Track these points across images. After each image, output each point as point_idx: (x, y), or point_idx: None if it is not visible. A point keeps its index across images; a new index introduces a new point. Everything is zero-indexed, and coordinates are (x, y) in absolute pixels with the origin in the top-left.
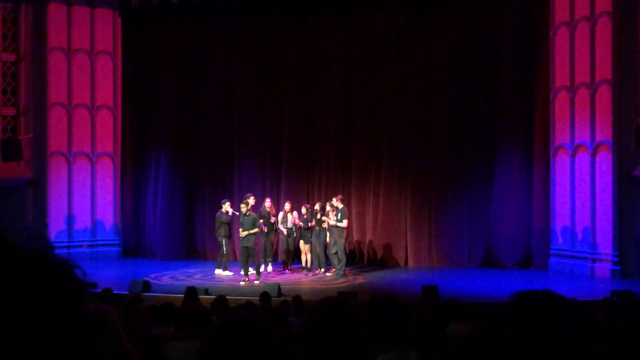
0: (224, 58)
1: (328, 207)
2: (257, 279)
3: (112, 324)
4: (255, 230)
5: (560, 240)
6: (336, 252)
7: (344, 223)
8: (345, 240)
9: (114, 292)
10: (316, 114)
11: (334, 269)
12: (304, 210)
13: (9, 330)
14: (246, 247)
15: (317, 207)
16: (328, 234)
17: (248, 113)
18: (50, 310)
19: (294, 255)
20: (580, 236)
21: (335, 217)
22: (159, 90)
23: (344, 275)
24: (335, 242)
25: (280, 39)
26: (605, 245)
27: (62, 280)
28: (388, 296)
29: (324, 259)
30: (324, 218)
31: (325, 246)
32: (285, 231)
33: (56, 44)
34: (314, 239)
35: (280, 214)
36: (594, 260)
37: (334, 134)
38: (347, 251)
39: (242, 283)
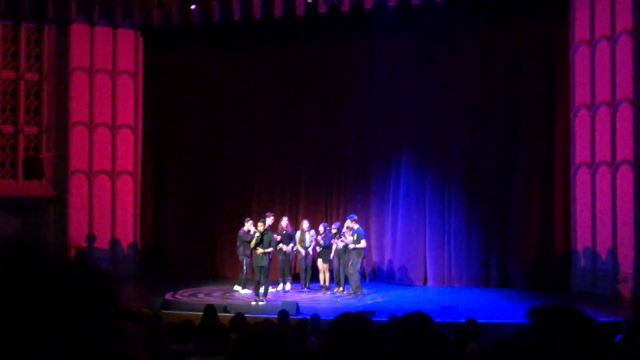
0: (244, 77)
1: (334, 227)
2: (260, 300)
3: (132, 340)
4: (270, 249)
5: (582, 260)
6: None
7: (362, 243)
8: (362, 259)
9: (133, 309)
10: (335, 132)
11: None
12: (321, 229)
13: (40, 334)
14: (261, 266)
15: (334, 227)
16: (345, 254)
17: (268, 131)
18: (82, 316)
19: (312, 273)
20: (602, 256)
21: (352, 238)
22: (180, 109)
23: (361, 294)
24: (352, 262)
25: (299, 59)
26: (627, 265)
27: (97, 287)
28: (421, 314)
29: (343, 278)
30: (333, 241)
31: (345, 265)
32: (303, 251)
33: (78, 64)
34: (334, 258)
35: (298, 233)
36: (616, 281)
37: (352, 152)
38: (367, 270)
39: (253, 303)
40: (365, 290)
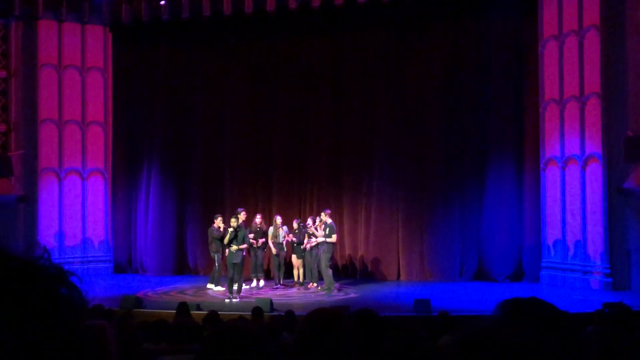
0: (215, 73)
1: (310, 222)
2: (233, 297)
3: (105, 339)
4: (244, 246)
5: (552, 253)
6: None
7: (333, 238)
8: (331, 255)
9: (105, 308)
10: (307, 128)
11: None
12: (295, 225)
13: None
14: (234, 263)
15: (309, 222)
16: (315, 248)
17: (239, 128)
18: (44, 316)
19: (286, 269)
20: (571, 249)
21: (323, 232)
22: (150, 106)
23: (335, 289)
24: (323, 258)
25: (271, 55)
26: (596, 258)
27: (57, 286)
28: (366, 311)
29: (316, 274)
30: (312, 231)
31: (315, 260)
32: (274, 250)
33: (47, 60)
34: (306, 254)
35: (271, 229)
36: (585, 273)
37: (325, 149)
38: (340, 266)
39: (227, 300)
40: (338, 285)
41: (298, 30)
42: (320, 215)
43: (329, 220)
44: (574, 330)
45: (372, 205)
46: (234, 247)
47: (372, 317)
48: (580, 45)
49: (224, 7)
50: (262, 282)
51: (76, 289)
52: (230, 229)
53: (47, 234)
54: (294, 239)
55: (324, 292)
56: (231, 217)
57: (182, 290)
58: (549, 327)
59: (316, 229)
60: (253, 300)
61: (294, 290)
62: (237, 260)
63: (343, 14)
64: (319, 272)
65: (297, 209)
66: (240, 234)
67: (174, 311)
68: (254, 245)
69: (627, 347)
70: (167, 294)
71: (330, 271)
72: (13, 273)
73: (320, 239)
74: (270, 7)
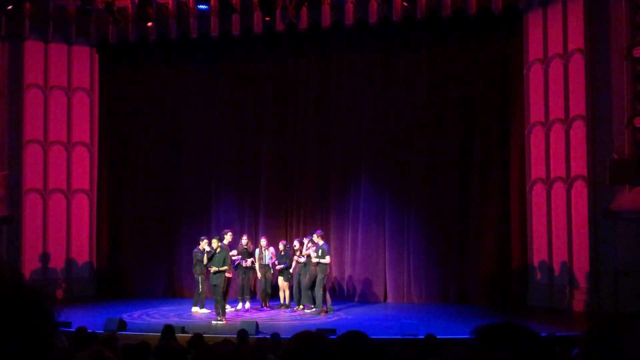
0: (202, 94)
1: (297, 243)
2: (219, 320)
3: None
4: (225, 267)
5: (538, 275)
6: (309, 289)
7: (327, 259)
8: (326, 276)
9: (89, 330)
10: (294, 149)
11: (313, 306)
12: (281, 246)
13: None
14: (214, 285)
15: (295, 244)
16: (305, 269)
17: (226, 149)
18: (15, 339)
19: (272, 292)
20: (557, 270)
21: (316, 254)
22: (136, 127)
23: (330, 311)
24: (318, 279)
25: (258, 76)
26: (582, 279)
27: (29, 310)
28: (355, 333)
29: (302, 296)
30: (297, 258)
31: (302, 282)
32: (259, 274)
33: (33, 81)
34: (294, 275)
35: (257, 251)
36: (571, 295)
37: (311, 170)
38: (327, 287)
39: (213, 322)
40: (325, 308)
41: (285, 52)
42: (312, 237)
43: (322, 242)
44: (548, 352)
45: (358, 227)
46: (213, 269)
47: (361, 340)
48: (565, 69)
49: (212, 29)
50: (248, 304)
51: (49, 312)
52: (208, 248)
53: (31, 255)
54: (282, 265)
55: (310, 313)
56: (213, 238)
57: (167, 313)
58: (522, 350)
59: (305, 251)
60: (238, 322)
61: (280, 312)
62: (217, 282)
63: (330, 36)
64: (301, 294)
65: (283, 230)
66: (219, 256)
67: (159, 334)
68: (244, 265)
69: None
70: (151, 317)
71: (321, 293)
72: None
73: (315, 260)
74: (258, 29)
